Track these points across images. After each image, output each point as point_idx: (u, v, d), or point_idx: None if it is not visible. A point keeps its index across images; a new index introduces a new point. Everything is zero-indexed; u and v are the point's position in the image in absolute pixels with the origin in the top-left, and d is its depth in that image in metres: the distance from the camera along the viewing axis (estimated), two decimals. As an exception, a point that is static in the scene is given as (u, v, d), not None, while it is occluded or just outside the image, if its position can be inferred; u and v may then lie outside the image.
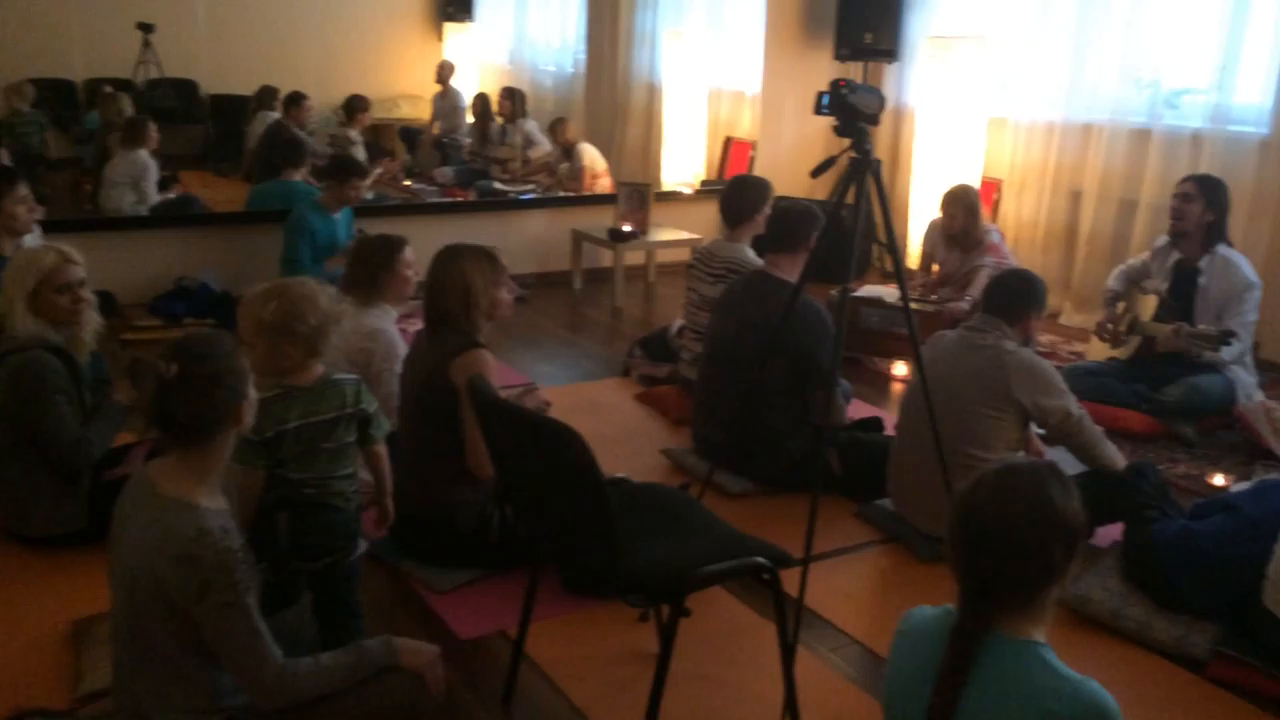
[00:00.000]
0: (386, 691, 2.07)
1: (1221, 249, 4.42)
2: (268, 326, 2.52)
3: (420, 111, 9.91)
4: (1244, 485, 3.50)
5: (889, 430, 3.86)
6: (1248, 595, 2.72)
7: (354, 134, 8.11)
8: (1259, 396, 4.41)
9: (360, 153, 7.73)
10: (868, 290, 5.48)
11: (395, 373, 3.54)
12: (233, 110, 8.90)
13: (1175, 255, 4.54)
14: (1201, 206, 4.39)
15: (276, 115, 7.94)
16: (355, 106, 8.25)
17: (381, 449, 2.78)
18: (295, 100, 7.84)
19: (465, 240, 3.13)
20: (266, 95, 8.25)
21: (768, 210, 4.32)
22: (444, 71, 9.54)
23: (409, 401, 3.11)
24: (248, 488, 2.50)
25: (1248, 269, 4.41)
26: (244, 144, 8.27)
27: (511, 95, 8.72)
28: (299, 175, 6.15)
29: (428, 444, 3.03)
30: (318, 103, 8.21)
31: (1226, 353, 4.20)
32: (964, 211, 5.21)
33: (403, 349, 3.59)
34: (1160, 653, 2.85)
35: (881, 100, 2.91)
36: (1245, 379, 4.43)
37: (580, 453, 2.06)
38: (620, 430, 4.33)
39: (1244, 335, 4.30)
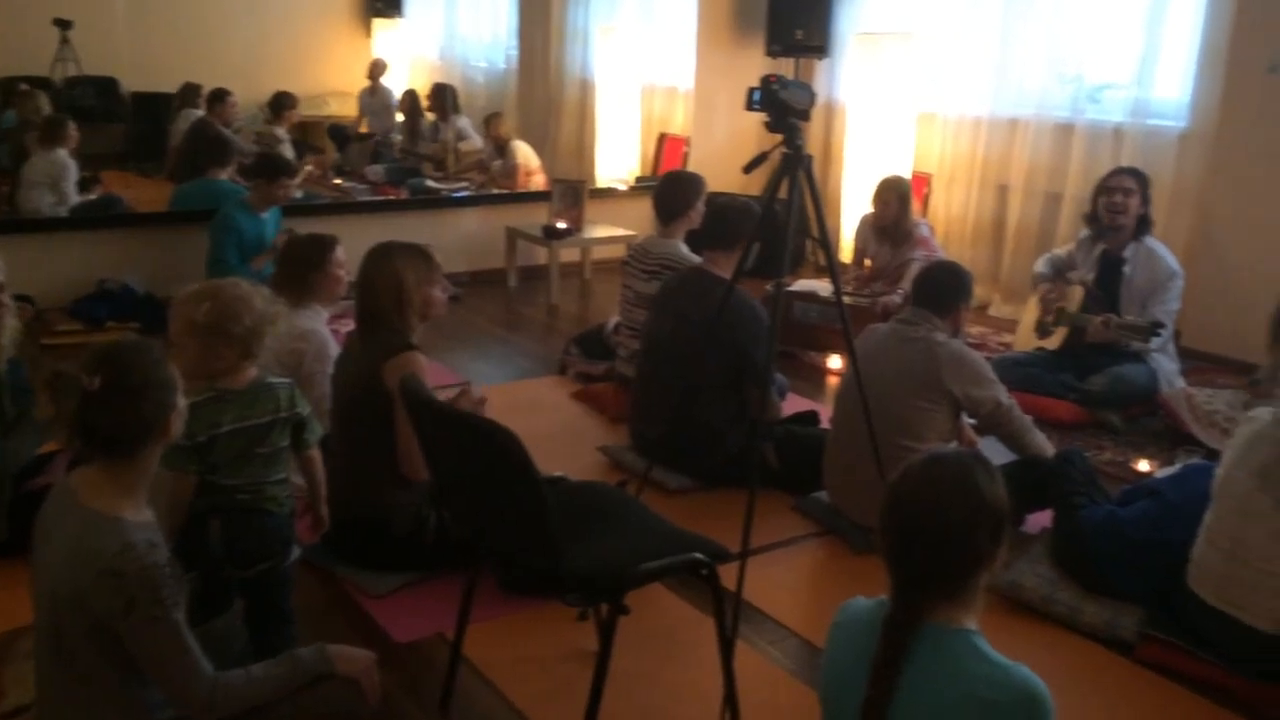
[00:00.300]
0: (322, 700, 2.04)
1: (1147, 240, 4.54)
2: (200, 328, 2.47)
3: (349, 109, 9.79)
4: (1168, 470, 3.59)
5: (825, 424, 3.90)
6: (1173, 578, 2.79)
7: (281, 132, 7.98)
8: (1180, 383, 4.53)
9: (288, 151, 7.61)
10: (802, 285, 5.53)
11: (328, 374, 3.48)
12: (155, 108, 8.69)
13: (1100, 246, 4.65)
14: (1139, 200, 4.50)
15: (200, 113, 7.78)
16: (282, 104, 8.12)
17: (315, 454, 2.74)
18: (219, 97, 7.69)
19: (398, 239, 3.09)
20: (189, 93, 8.08)
21: (701, 206, 4.33)
22: (376, 69, 9.43)
23: (341, 404, 3.06)
24: (178, 493, 2.46)
25: (1171, 259, 4.53)
26: (167, 143, 8.10)
27: (441, 92, 8.65)
28: (225, 174, 6.04)
29: (361, 447, 2.99)
30: (243, 100, 8.06)
31: (1153, 342, 4.31)
32: (897, 199, 5.28)
33: (334, 350, 3.54)
34: (1090, 636, 2.91)
35: (812, 96, 2.94)
36: (1168, 366, 4.55)
37: (516, 452, 2.05)
38: (557, 428, 4.32)
39: (1167, 324, 4.41)
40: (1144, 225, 4.53)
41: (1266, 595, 2.54)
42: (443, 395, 3.02)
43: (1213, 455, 3.40)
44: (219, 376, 2.51)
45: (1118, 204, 4.50)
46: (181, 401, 1.98)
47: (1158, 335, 4.22)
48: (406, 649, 2.78)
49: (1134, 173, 4.58)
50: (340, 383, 3.08)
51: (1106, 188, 4.56)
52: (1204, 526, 2.70)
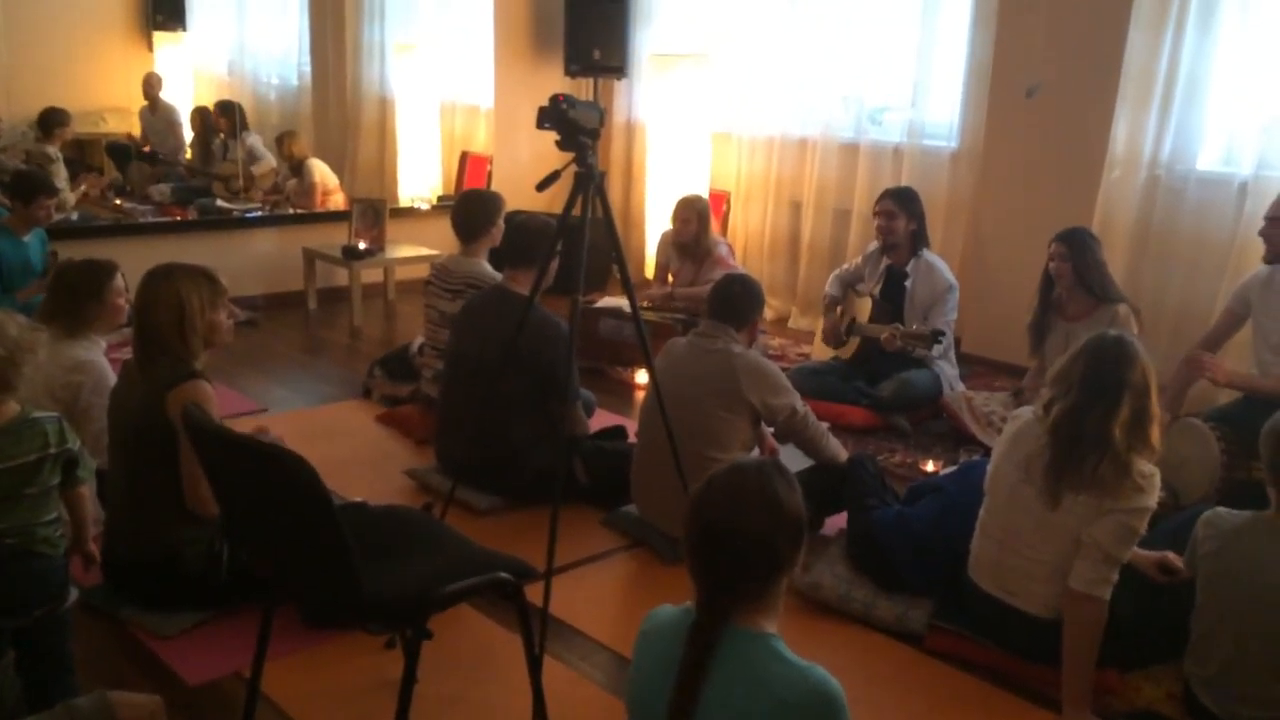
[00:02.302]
0: (103, 751, 1.91)
1: (925, 254, 4.82)
2: (-54, 360, 2.28)
3: (130, 126, 9.26)
4: (952, 469, 3.81)
5: (632, 438, 3.95)
6: (956, 570, 2.96)
7: (52, 151, 7.48)
8: (960, 387, 4.82)
9: (60, 170, 7.15)
10: (607, 301, 5.58)
11: (106, 406, 3.30)
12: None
13: (885, 260, 4.90)
14: (904, 219, 4.77)
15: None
16: (53, 121, 7.60)
17: (85, 490, 2.57)
18: (-29, 114, 7.15)
19: (187, 261, 2.95)
20: (-63, 110, 7.48)
21: (502, 224, 4.33)
22: (151, 86, 8.95)
23: (120, 437, 2.89)
24: (-67, 543, 2.26)
25: (947, 272, 4.82)
26: (-83, 163, 7.46)
27: (228, 110, 8.32)
28: (-13, 197, 5.61)
29: (145, 482, 2.83)
30: (8, 117, 7.52)
31: (935, 349, 4.57)
32: (696, 216, 5.41)
33: (114, 380, 3.35)
34: (884, 630, 3.05)
35: (601, 115, 2.98)
36: (949, 372, 4.83)
37: (306, 477, 1.99)
38: (361, 453, 4.22)
39: (946, 332, 4.69)
40: (919, 240, 4.81)
41: (1036, 582, 2.72)
42: (237, 426, 2.91)
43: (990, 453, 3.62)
44: (-26, 414, 2.33)
45: (883, 227, 4.79)
46: None
47: (939, 342, 4.49)
48: (200, 691, 2.65)
49: (895, 195, 4.83)
50: (118, 414, 2.91)
51: (876, 211, 4.84)
52: (979, 519, 2.88)
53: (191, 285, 2.84)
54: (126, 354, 4.88)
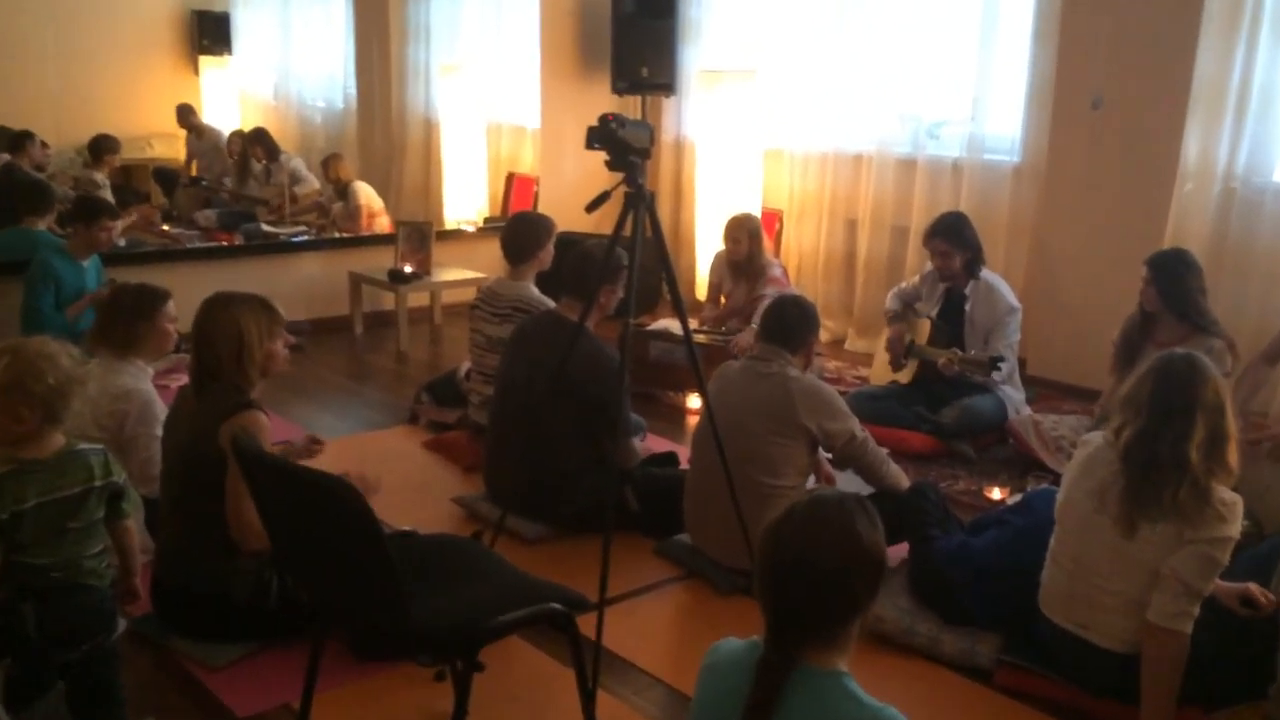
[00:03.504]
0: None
1: (985, 276, 4.77)
2: (-1, 387, 2.34)
3: (176, 151, 9.47)
4: (1019, 497, 3.76)
5: (684, 464, 3.94)
6: (1025, 603, 2.91)
7: (100, 177, 7.67)
8: (1027, 411, 4.76)
9: (109, 198, 7.32)
10: (659, 325, 5.59)
11: (153, 435, 3.37)
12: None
13: (943, 283, 4.86)
14: (958, 255, 4.72)
15: (5, 157, 7.40)
16: (102, 147, 7.81)
17: (131, 524, 2.62)
18: (22, 140, 7.32)
19: (233, 288, 3.01)
20: (-11, 137, 7.68)
21: (551, 247, 4.36)
22: (186, 116, 9.15)
23: (172, 467, 2.94)
24: (-18, 577, 2.32)
25: (1009, 294, 4.77)
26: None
27: (259, 139, 8.45)
28: (43, 223, 5.71)
29: (195, 511, 2.87)
30: (57, 143, 7.72)
31: (995, 375, 4.52)
32: (748, 236, 5.41)
33: (160, 409, 3.42)
34: (950, 665, 3.01)
35: (651, 134, 3.00)
36: (1014, 396, 4.77)
37: (356, 506, 2.01)
38: (408, 480, 4.26)
39: (1009, 356, 4.65)
40: (974, 266, 4.76)
41: (1111, 614, 2.67)
42: (281, 450, 2.95)
43: (1059, 480, 3.57)
44: (20, 445, 2.38)
45: (941, 268, 4.75)
46: None
47: (998, 369, 4.44)
48: (249, 724, 2.68)
49: (945, 233, 4.74)
50: (171, 444, 2.96)
51: (928, 250, 4.81)
52: (1049, 549, 2.84)
53: (250, 315, 2.88)
54: (174, 380, 4.99)
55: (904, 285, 5.17)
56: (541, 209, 6.77)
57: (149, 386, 3.53)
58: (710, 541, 3.47)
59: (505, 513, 3.50)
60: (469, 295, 6.47)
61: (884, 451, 3.51)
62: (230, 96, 9.88)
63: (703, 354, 4.79)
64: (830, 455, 3.54)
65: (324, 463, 3.11)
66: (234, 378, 2.86)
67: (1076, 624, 2.74)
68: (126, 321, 3.51)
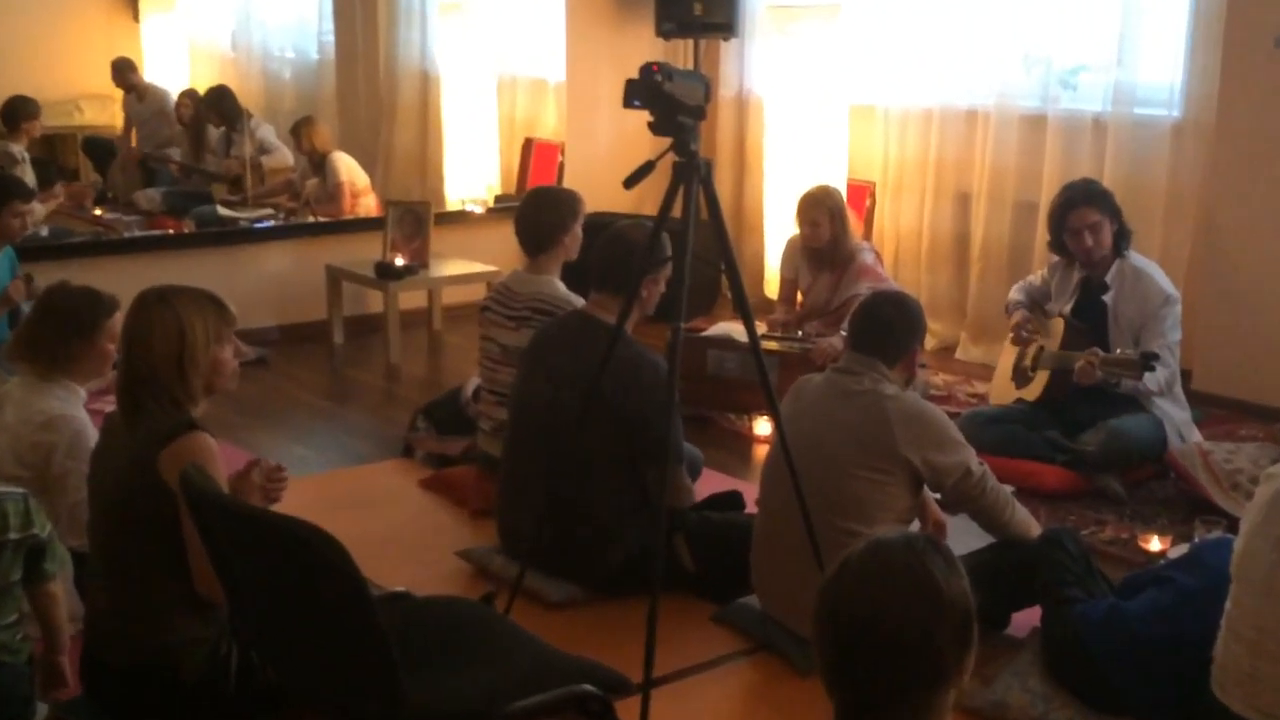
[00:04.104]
0: None
1: (1132, 258, 4.71)
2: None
3: (111, 116, 9.62)
4: (1184, 548, 3.71)
5: (751, 507, 3.93)
6: (1193, 684, 2.87)
7: (17, 150, 7.78)
8: (1196, 437, 4.69)
9: (28, 174, 7.43)
10: (717, 329, 5.59)
11: (86, 473, 3.40)
12: None
13: (1079, 272, 4.82)
14: (1108, 222, 4.66)
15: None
16: (19, 113, 7.93)
17: (57, 587, 2.64)
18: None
19: (187, 285, 3.03)
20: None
21: (578, 230, 4.37)
22: (124, 74, 9.26)
23: (102, 508, 2.96)
24: None
25: (1162, 279, 4.71)
26: None
27: (220, 98, 8.51)
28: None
29: (133, 566, 2.89)
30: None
31: (1150, 379, 4.46)
32: (829, 216, 5.39)
33: (95, 440, 3.46)
34: (1096, 765, 2.98)
35: (706, 87, 3.00)
36: (1175, 415, 4.71)
37: (338, 563, 2.03)
38: (401, 529, 4.28)
39: (1168, 359, 4.57)
40: (1122, 240, 4.70)
41: (1305, 699, 2.63)
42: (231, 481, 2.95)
43: (1237, 526, 3.52)
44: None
45: (1089, 247, 4.67)
46: None
47: (1152, 369, 4.37)
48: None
49: (1092, 198, 4.70)
50: (100, 483, 2.98)
51: (1070, 228, 4.72)
52: (1225, 615, 2.79)
53: (196, 312, 2.90)
54: (109, 404, 5.03)
55: (1031, 279, 5.12)
56: (567, 184, 6.80)
57: (81, 413, 3.56)
58: (785, 606, 3.45)
59: (524, 569, 3.50)
60: (477, 294, 6.53)
61: (1008, 490, 3.48)
62: (178, 49, 10.02)
63: (774, 366, 4.79)
64: (939, 495, 3.51)
65: (292, 506, 3.13)
66: (172, 390, 2.87)
67: (1261, 712, 2.70)
68: (59, 335, 3.54)
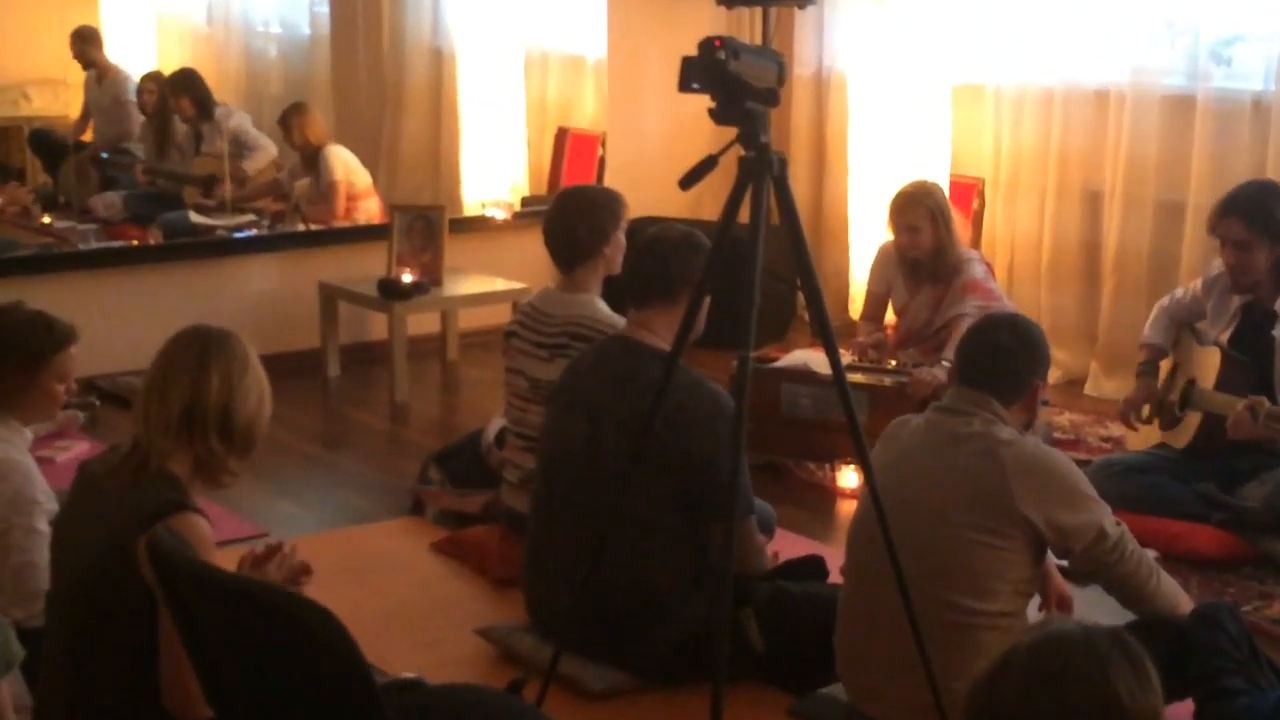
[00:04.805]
0: None
1: (1309, 282, 4.68)
2: None
3: (65, 106, 9.72)
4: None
5: (835, 576, 3.92)
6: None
7: (-48, 146, 7.91)
8: (1381, 492, 4.64)
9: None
10: (793, 359, 5.57)
11: (33, 530, 3.45)
12: None
13: (1241, 294, 4.78)
14: (1265, 246, 4.62)
15: None
16: (-48, 103, 8.05)
17: (2, 688, 2.65)
18: None
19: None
20: None
21: (620, 237, 4.37)
22: (85, 47, 9.33)
23: (67, 590, 2.98)
24: None
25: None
26: None
27: (187, 85, 8.54)
28: None
29: (99, 666, 2.90)
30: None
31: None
32: (930, 219, 5.37)
33: (44, 492, 3.49)
34: None
35: (780, 67, 3.00)
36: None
37: (334, 644, 2.03)
38: (411, 602, 4.29)
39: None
40: None
41: None
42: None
43: None
44: None
45: (1234, 267, 4.67)
46: None
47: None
48: None
49: (1241, 209, 4.66)
50: (70, 557, 2.98)
51: (1218, 236, 4.72)
52: None
53: (227, 366, 2.93)
54: (61, 450, 5.07)
55: (1177, 294, 5.08)
56: (608, 182, 6.81)
57: (27, 458, 3.59)
58: (877, 698, 3.43)
59: (558, 651, 3.50)
60: (501, 317, 6.54)
61: (1151, 556, 3.45)
62: (145, 25, 10.11)
63: (863, 403, 4.77)
64: (1066, 563, 3.49)
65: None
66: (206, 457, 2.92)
67: None
68: (3, 366, 3.59)
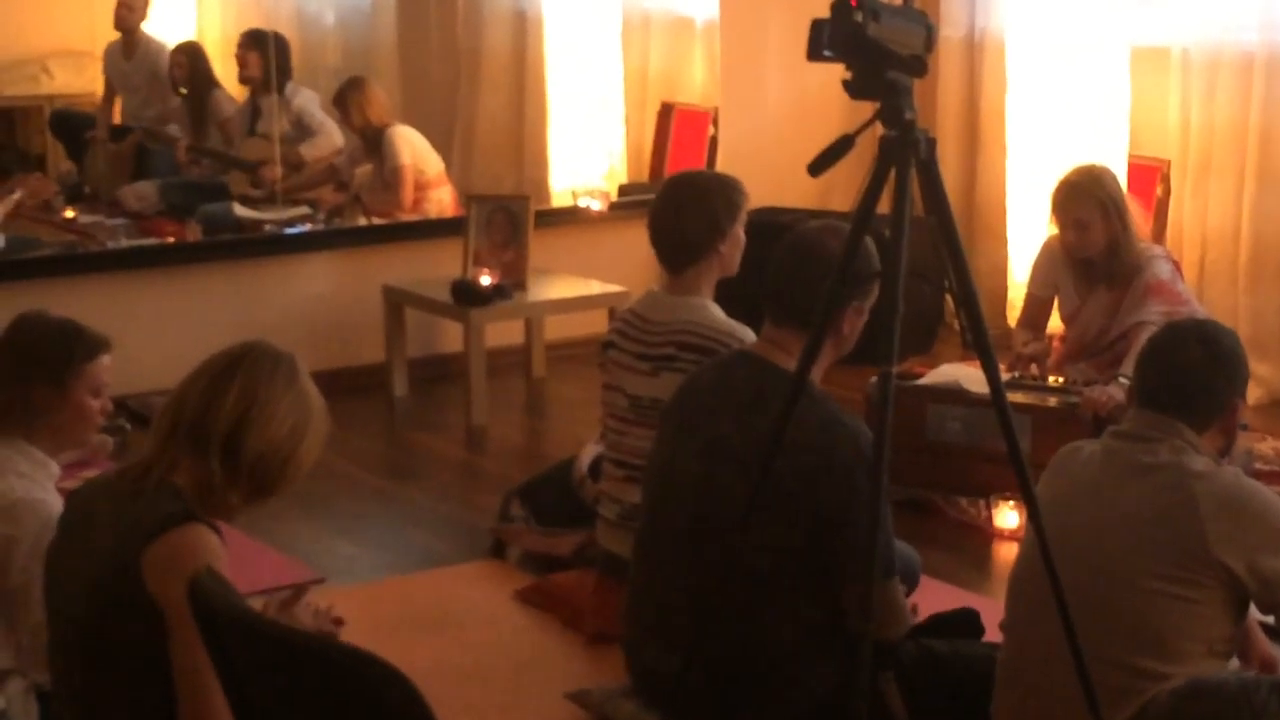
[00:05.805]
0: None
1: None
2: None
3: (91, 82, 9.86)
4: None
5: (992, 633, 3.90)
6: None
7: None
8: None
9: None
10: (941, 375, 5.56)
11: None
12: None
13: None
14: None
15: None
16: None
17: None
18: None
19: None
20: None
21: (739, 232, 4.37)
22: (128, 12, 9.46)
23: (66, 626, 3.02)
24: None
25: None
26: None
27: (260, 44, 8.64)
28: None
29: (112, 709, 2.95)
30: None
31: None
32: (1102, 211, 5.32)
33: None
34: None
35: (929, 31, 3.00)
36: None
37: (405, 708, 2.04)
38: (491, 660, 4.32)
39: None
40: None
41: None
42: (265, 605, 3.01)
43: None
44: None
45: None
46: None
47: None
48: None
49: None
50: (65, 590, 3.03)
51: None
52: None
53: (272, 385, 2.97)
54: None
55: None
56: (722, 166, 6.82)
57: (51, 496, 3.61)
58: (1044, 777, 3.41)
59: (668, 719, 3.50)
60: (597, 325, 6.57)
61: (1376, 611, 3.40)
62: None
63: (1025, 427, 4.74)
64: (1271, 619, 3.44)
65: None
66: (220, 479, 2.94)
67: None
68: (18, 382, 3.62)
